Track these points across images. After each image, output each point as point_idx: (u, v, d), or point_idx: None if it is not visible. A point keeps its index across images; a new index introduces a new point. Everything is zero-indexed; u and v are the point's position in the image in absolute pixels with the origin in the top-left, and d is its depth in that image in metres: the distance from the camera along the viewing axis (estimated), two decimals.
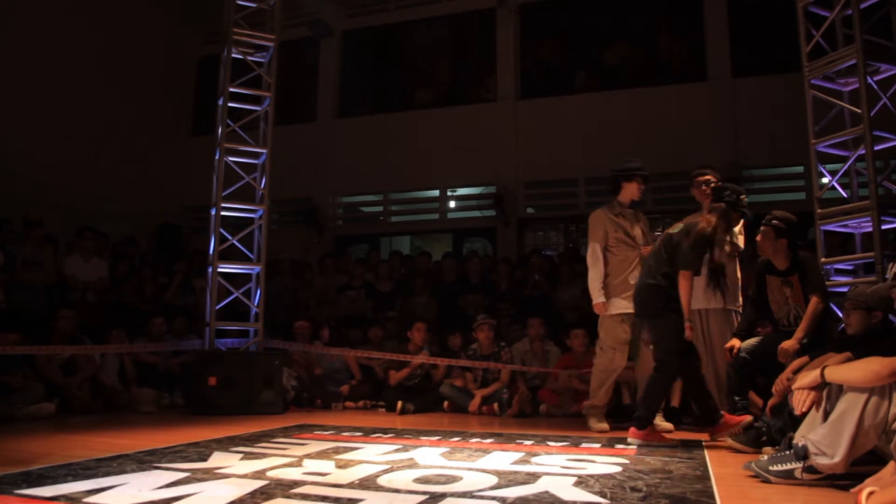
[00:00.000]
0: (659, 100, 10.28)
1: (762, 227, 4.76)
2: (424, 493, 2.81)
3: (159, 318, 7.46)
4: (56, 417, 5.92)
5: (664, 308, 4.57)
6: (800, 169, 9.49)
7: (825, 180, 6.05)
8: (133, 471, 3.24)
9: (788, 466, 3.08)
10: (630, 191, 5.52)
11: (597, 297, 5.41)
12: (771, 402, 4.02)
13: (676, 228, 4.74)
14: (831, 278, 5.77)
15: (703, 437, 4.73)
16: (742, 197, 4.66)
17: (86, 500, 2.64)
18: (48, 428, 5.30)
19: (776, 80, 9.16)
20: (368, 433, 4.94)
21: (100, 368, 6.82)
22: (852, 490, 2.69)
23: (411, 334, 7.26)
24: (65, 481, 2.96)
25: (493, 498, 2.73)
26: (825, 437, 2.98)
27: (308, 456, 3.76)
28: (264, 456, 3.73)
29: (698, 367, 4.64)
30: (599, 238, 5.50)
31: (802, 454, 3.04)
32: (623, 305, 5.36)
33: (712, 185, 5.46)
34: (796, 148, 7.09)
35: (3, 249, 7.28)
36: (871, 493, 2.43)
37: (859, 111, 5.61)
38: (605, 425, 5.31)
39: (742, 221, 5.13)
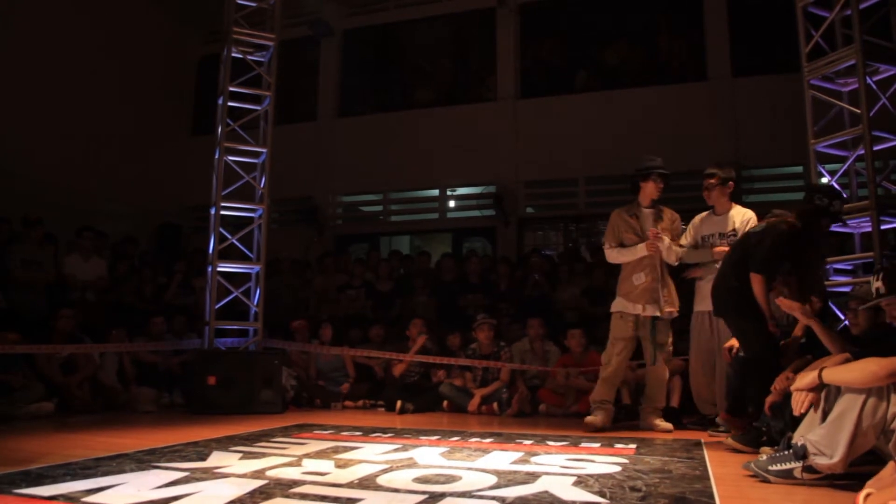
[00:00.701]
0: (659, 99, 10.28)
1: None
2: (424, 492, 2.81)
3: (159, 318, 7.46)
4: (55, 417, 5.92)
5: (736, 310, 4.50)
6: (799, 169, 9.48)
7: (824, 180, 6.05)
8: (132, 470, 3.24)
9: (788, 466, 3.08)
10: (648, 190, 5.44)
11: (638, 252, 5.31)
12: (769, 399, 4.01)
13: (759, 227, 4.58)
14: (830, 278, 5.78)
15: (703, 436, 4.74)
16: (835, 202, 4.32)
17: (85, 499, 2.64)
18: (47, 427, 5.30)
19: (776, 80, 9.15)
20: (368, 433, 4.94)
21: (99, 368, 6.82)
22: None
23: (409, 332, 7.27)
24: (64, 481, 2.96)
25: (493, 497, 2.74)
26: (824, 438, 2.98)
27: (307, 455, 3.76)
28: (263, 455, 3.73)
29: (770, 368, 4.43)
30: (609, 238, 5.52)
31: (801, 454, 3.04)
32: (622, 304, 5.36)
33: (715, 188, 5.43)
34: (796, 148, 7.09)
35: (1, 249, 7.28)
36: (868, 496, 2.43)
37: (858, 111, 5.62)
38: (594, 418, 5.23)
39: (751, 224, 5.11)
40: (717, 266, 5.14)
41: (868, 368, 2.88)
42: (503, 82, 11.34)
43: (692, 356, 5.53)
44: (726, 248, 5.20)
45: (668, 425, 5.23)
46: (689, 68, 10.60)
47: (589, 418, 5.28)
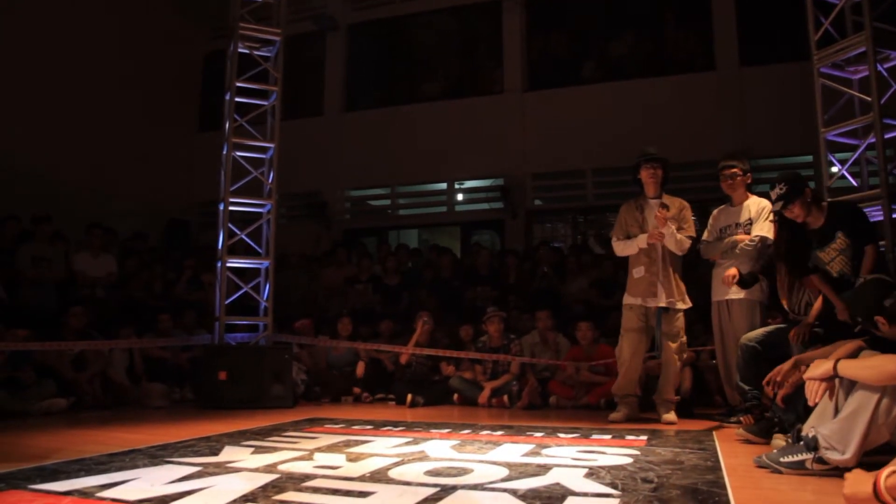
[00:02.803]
0: (666, 90, 10.24)
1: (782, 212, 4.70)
2: (435, 485, 2.82)
3: (165, 315, 7.44)
4: (68, 413, 5.95)
5: None
6: (809, 158, 9.44)
7: (835, 169, 6.01)
8: (145, 465, 3.25)
9: (799, 457, 3.07)
10: (644, 180, 5.43)
11: (637, 243, 5.31)
12: (781, 391, 3.97)
13: None
14: None
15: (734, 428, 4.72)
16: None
17: (99, 494, 2.65)
18: (60, 423, 5.32)
19: (784, 69, 9.11)
20: (379, 426, 4.94)
21: (108, 365, 6.84)
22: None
23: (417, 324, 7.28)
24: (78, 476, 2.98)
25: (504, 490, 2.73)
26: (836, 433, 2.96)
27: (319, 449, 3.77)
28: (275, 450, 3.74)
29: None
30: (616, 231, 5.54)
31: (813, 445, 3.03)
32: (627, 297, 5.41)
33: (738, 177, 5.38)
34: (805, 137, 7.06)
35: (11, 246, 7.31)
36: (892, 473, 2.40)
37: (869, 99, 5.57)
38: (616, 415, 5.32)
39: (772, 214, 5.04)
40: (738, 253, 5.15)
41: (886, 368, 2.83)
42: (510, 75, 11.33)
43: (716, 347, 5.51)
44: (745, 237, 5.18)
45: (672, 418, 5.21)
46: (696, 58, 10.56)
47: (611, 416, 5.33)
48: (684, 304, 5.32)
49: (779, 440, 3.75)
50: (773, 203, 4.25)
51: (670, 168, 5.50)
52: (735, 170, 5.36)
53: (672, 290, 5.26)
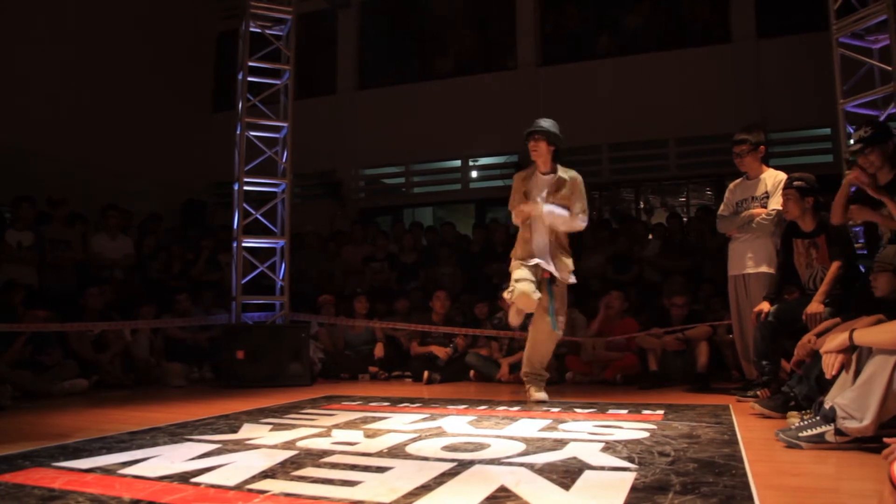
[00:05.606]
0: (682, 63, 10.10)
1: (784, 191, 4.68)
2: (453, 460, 2.83)
3: (183, 295, 7.51)
4: (89, 393, 6.03)
5: None
6: (827, 131, 9.30)
7: (853, 141, 5.92)
8: (165, 443, 3.30)
9: (819, 430, 3.06)
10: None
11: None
12: (792, 361, 3.95)
13: None
14: (860, 240, 5.69)
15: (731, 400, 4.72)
16: None
17: (121, 471, 2.69)
18: (82, 403, 5.40)
19: (802, 39, 8.97)
20: (396, 403, 4.97)
21: (132, 343, 6.92)
22: (884, 453, 2.65)
23: (433, 304, 7.29)
24: (100, 454, 3.02)
25: (522, 464, 2.75)
26: (853, 401, 2.94)
27: (336, 426, 3.80)
28: (293, 427, 3.78)
29: None
30: (511, 203, 5.32)
31: (831, 416, 3.01)
32: None
33: (746, 154, 5.30)
34: (823, 109, 6.96)
35: (32, 230, 7.37)
36: None
37: (890, 69, 5.49)
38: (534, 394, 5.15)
39: (781, 186, 4.97)
40: (754, 227, 5.10)
41: None
42: (524, 50, 11.21)
43: (733, 321, 5.46)
44: (762, 210, 5.12)
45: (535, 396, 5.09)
46: (712, 30, 10.38)
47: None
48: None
49: (793, 417, 3.73)
50: (852, 144, 4.18)
51: (559, 141, 5.28)
52: (743, 146, 5.28)
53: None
